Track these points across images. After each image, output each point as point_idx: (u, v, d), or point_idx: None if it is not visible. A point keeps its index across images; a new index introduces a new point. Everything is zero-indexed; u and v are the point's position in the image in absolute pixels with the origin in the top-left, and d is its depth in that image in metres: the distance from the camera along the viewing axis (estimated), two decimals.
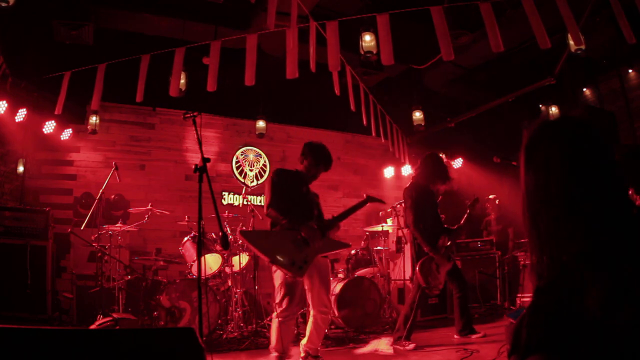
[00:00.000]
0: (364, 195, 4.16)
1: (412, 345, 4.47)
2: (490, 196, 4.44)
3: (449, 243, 4.67)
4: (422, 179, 4.79)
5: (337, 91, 4.58)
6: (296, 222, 3.62)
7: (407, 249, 6.62)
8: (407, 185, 4.90)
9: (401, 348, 4.49)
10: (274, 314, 3.72)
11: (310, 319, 3.75)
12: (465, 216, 4.82)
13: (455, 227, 4.79)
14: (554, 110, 7.30)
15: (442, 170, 4.82)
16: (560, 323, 1.00)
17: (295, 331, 4.23)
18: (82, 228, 5.37)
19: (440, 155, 4.96)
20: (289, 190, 3.78)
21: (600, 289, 0.97)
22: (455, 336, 4.72)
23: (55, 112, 4.74)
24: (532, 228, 1.16)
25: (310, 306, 3.76)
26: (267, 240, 3.66)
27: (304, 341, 3.78)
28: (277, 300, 3.68)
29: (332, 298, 5.61)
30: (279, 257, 3.48)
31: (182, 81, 5.44)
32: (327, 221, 3.85)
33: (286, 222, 3.61)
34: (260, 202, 7.99)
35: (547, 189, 1.13)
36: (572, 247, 1.06)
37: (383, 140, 6.45)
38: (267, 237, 3.73)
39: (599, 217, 1.06)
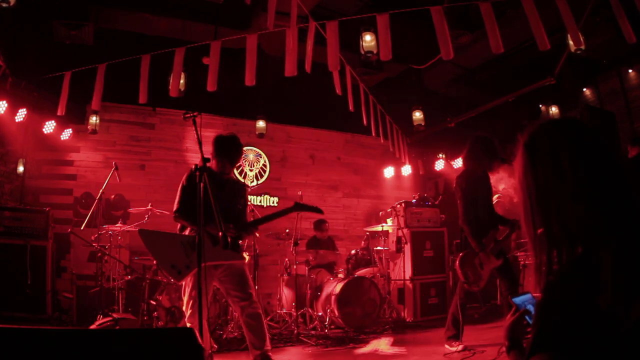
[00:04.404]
0: (294, 202, 3.86)
1: (461, 347, 4.22)
2: (495, 196, 4.37)
3: (502, 237, 4.28)
4: (472, 163, 4.45)
5: (338, 91, 4.57)
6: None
7: (407, 249, 6.62)
8: (459, 174, 4.53)
9: (450, 348, 4.28)
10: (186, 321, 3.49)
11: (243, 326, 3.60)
12: None
13: (512, 218, 4.37)
14: (554, 110, 7.30)
15: (491, 150, 4.42)
16: (572, 317, 0.98)
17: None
18: (82, 228, 5.37)
19: (485, 135, 4.53)
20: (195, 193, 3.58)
21: (619, 278, 0.96)
22: None
23: (58, 113, 4.76)
24: (539, 223, 1.14)
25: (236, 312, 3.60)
26: (160, 242, 3.53)
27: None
28: (185, 305, 3.50)
29: (332, 298, 5.61)
30: (161, 260, 3.39)
31: (182, 81, 5.43)
32: (226, 227, 3.51)
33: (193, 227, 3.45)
34: (260, 202, 8.03)
35: (558, 180, 1.11)
36: (590, 236, 1.05)
37: (383, 140, 6.44)
38: (162, 238, 3.59)
39: (617, 204, 1.05)
